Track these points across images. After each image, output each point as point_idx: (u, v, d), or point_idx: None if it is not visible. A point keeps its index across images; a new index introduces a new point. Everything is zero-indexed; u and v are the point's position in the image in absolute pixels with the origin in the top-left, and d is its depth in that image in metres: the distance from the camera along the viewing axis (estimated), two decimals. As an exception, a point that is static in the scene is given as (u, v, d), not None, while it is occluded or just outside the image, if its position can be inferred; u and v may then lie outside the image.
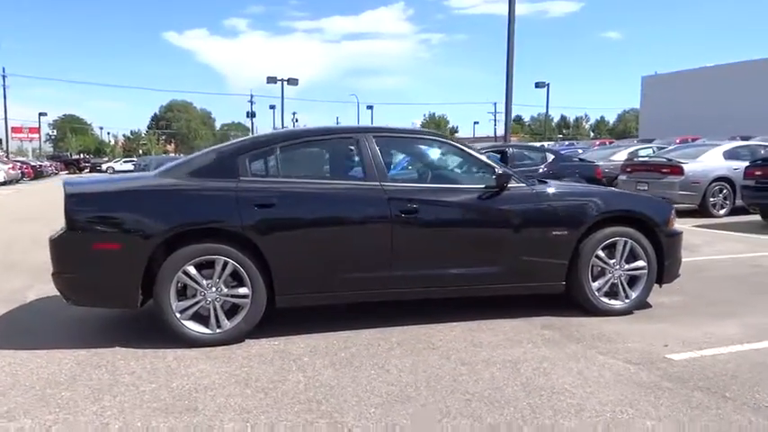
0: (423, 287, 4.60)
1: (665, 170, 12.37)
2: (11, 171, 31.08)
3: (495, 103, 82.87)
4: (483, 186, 4.71)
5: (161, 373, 3.77)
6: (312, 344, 4.30)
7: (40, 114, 70.41)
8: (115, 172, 41.56)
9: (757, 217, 11.12)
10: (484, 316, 4.86)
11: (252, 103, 73.15)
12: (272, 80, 39.24)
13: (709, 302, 5.39)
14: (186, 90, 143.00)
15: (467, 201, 4.66)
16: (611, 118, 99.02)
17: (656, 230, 5.00)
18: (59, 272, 4.19)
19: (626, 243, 4.92)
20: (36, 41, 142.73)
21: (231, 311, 4.30)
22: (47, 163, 45.43)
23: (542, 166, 11.87)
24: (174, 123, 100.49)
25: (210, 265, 4.22)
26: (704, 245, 8.67)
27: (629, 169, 13.45)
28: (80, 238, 4.11)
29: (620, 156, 15.98)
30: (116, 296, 4.24)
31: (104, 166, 63.28)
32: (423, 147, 5.07)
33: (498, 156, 11.64)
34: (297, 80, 39.79)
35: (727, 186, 12.15)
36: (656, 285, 5.11)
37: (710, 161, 12.43)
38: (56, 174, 44.47)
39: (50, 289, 6.13)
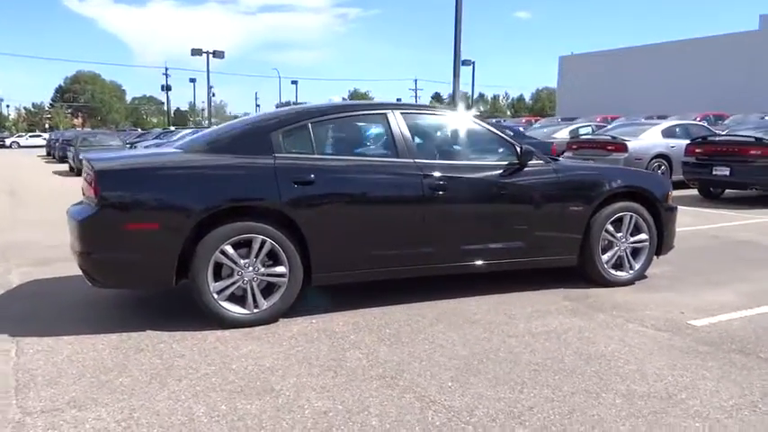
0: (454, 263, 4.67)
1: (609, 147, 12.97)
2: None
3: (416, 80, 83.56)
4: (506, 163, 4.81)
5: (213, 356, 3.67)
6: (350, 321, 4.30)
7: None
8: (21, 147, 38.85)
9: (694, 191, 11.89)
10: (502, 290, 5.00)
11: (167, 75, 70.33)
12: (196, 52, 37.68)
13: (693, 272, 5.75)
14: (94, 61, 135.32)
15: (493, 177, 4.75)
16: (526, 96, 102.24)
17: (657, 205, 5.29)
18: (88, 252, 3.96)
19: (631, 217, 5.18)
20: None
21: (266, 291, 4.22)
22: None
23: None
24: (81, 96, 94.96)
25: (246, 244, 4.12)
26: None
27: (574, 146, 13.99)
28: (114, 218, 3.91)
29: (562, 134, 16.61)
30: (150, 277, 4.07)
31: (8, 141, 59.19)
32: (446, 124, 5.10)
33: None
34: (223, 53, 38.51)
35: (665, 163, 12.88)
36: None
37: (650, 139, 13.14)
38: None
39: (32, 271, 5.82)
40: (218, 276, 4.10)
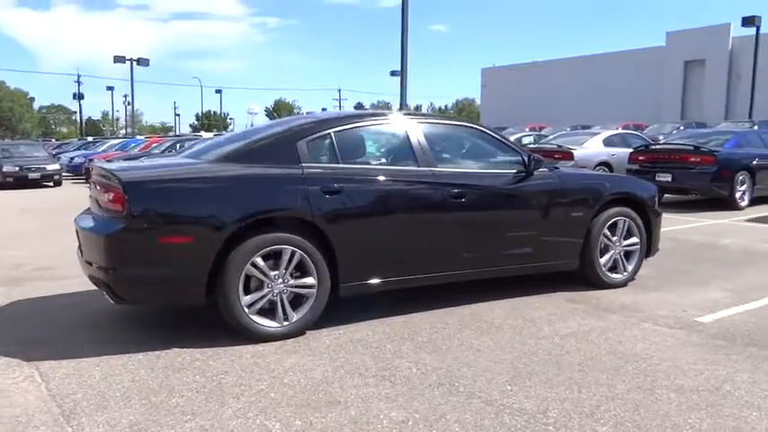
0: (471, 269, 4.76)
1: (557, 156, 13.46)
2: None
3: (340, 90, 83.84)
4: (515, 171, 4.96)
5: (258, 371, 3.58)
6: (378, 330, 4.29)
7: None
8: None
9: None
10: (507, 294, 5.11)
11: (79, 83, 67.42)
12: (119, 59, 36.11)
13: (672, 273, 6.08)
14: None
15: (505, 185, 4.88)
16: (442, 106, 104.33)
17: (647, 210, 5.58)
18: (114, 268, 3.77)
19: (625, 222, 5.44)
20: None
21: (294, 303, 4.15)
22: None
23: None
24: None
25: (274, 255, 4.04)
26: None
27: (521, 155, 14.44)
28: (144, 231, 3.74)
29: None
30: (181, 292, 3.92)
31: None
32: (459, 133, 5.19)
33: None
34: (147, 60, 37.12)
35: (607, 170, 13.53)
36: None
37: (593, 147, 13.78)
38: None
39: (7, 292, 5.44)
40: (246, 290, 4.00)
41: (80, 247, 4.47)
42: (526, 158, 4.98)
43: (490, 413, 3.03)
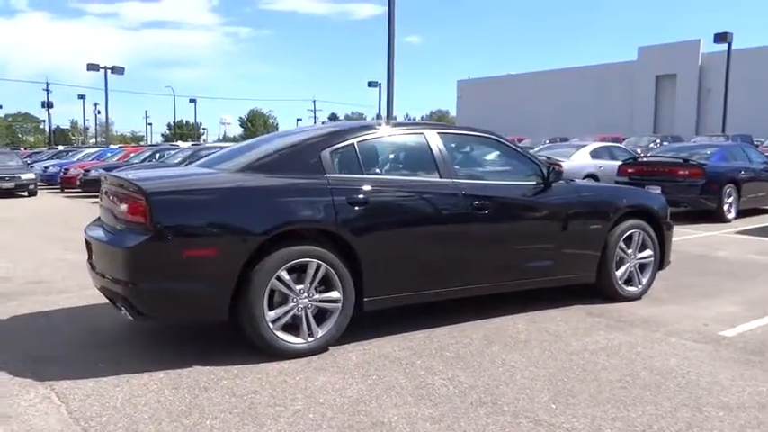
0: (495, 282, 4.67)
1: (545, 168, 13.53)
2: None
3: (315, 100, 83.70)
4: (534, 183, 4.89)
5: (290, 390, 3.42)
6: (403, 346, 4.17)
7: None
8: None
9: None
10: (526, 308, 5.02)
11: (48, 91, 66.20)
12: (93, 67, 35.41)
13: (681, 286, 6.06)
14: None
15: (525, 197, 4.81)
16: (416, 117, 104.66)
17: (660, 222, 5.56)
18: (135, 282, 3.58)
19: (640, 234, 5.41)
20: None
21: (318, 318, 4.01)
22: None
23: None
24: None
25: (300, 269, 3.90)
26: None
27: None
28: (169, 244, 3.56)
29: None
30: (205, 308, 3.74)
31: None
32: (479, 144, 5.11)
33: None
34: (123, 69, 36.45)
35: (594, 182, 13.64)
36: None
37: (581, 160, 13.86)
38: None
39: (5, 306, 5.19)
40: (270, 305, 3.85)
41: (90, 259, 4.27)
42: (545, 170, 4.92)
43: (542, 433, 2.93)
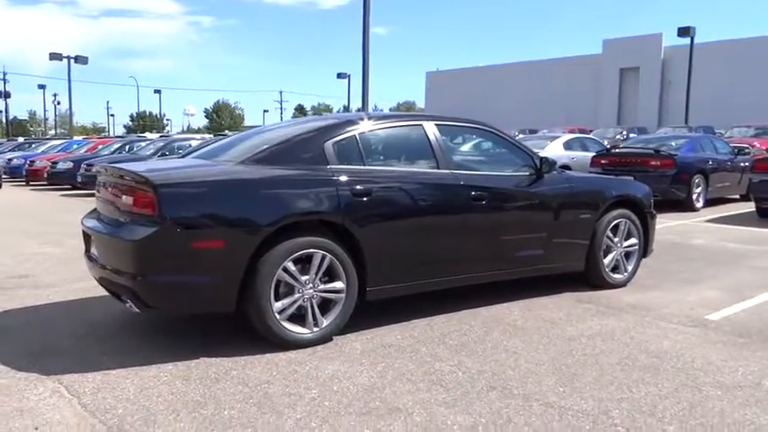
0: (491, 271, 4.77)
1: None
2: None
3: (282, 92, 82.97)
4: (527, 174, 5.00)
5: (302, 379, 3.46)
6: (406, 334, 4.24)
7: None
8: None
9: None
10: (517, 296, 5.13)
11: (5, 81, 64.28)
12: (56, 57, 34.42)
13: (662, 273, 6.26)
14: None
15: (520, 187, 4.91)
16: (384, 108, 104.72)
17: (645, 211, 5.73)
18: (143, 274, 3.57)
19: (626, 223, 5.57)
20: None
21: (322, 308, 4.05)
22: None
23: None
24: None
25: (305, 260, 3.93)
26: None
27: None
28: (177, 236, 3.55)
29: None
30: (212, 299, 3.74)
31: None
32: (474, 136, 5.19)
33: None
34: (86, 58, 35.54)
35: (567, 173, 13.89)
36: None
37: (554, 151, 14.07)
38: None
39: None
40: (275, 296, 3.87)
41: (89, 251, 4.23)
42: (537, 161, 5.02)
43: (554, 415, 3.03)
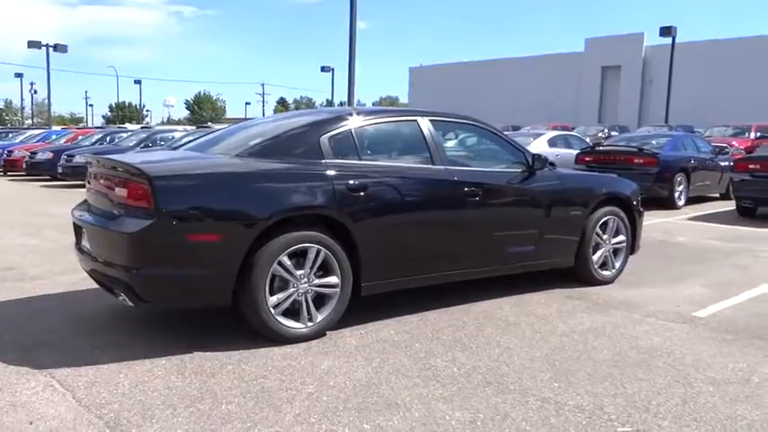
0: (483, 267, 4.80)
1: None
2: None
3: (264, 84, 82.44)
4: (520, 170, 5.03)
5: (298, 374, 3.46)
6: (400, 330, 4.25)
7: None
8: None
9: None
10: (507, 291, 5.18)
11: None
12: (34, 45, 33.86)
13: (647, 270, 6.34)
14: None
15: (512, 184, 4.94)
16: (367, 102, 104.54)
17: (632, 209, 5.80)
18: (138, 267, 3.53)
19: (614, 220, 5.63)
20: None
21: (317, 303, 4.04)
22: None
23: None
24: None
25: (300, 254, 3.92)
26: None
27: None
28: (173, 229, 3.52)
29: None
30: (208, 293, 3.72)
31: None
32: (468, 132, 5.20)
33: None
34: (66, 47, 34.94)
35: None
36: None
37: (539, 148, 14.13)
38: None
39: None
40: (270, 290, 3.86)
41: (79, 243, 4.17)
42: (530, 157, 5.05)
43: (551, 411, 3.06)
